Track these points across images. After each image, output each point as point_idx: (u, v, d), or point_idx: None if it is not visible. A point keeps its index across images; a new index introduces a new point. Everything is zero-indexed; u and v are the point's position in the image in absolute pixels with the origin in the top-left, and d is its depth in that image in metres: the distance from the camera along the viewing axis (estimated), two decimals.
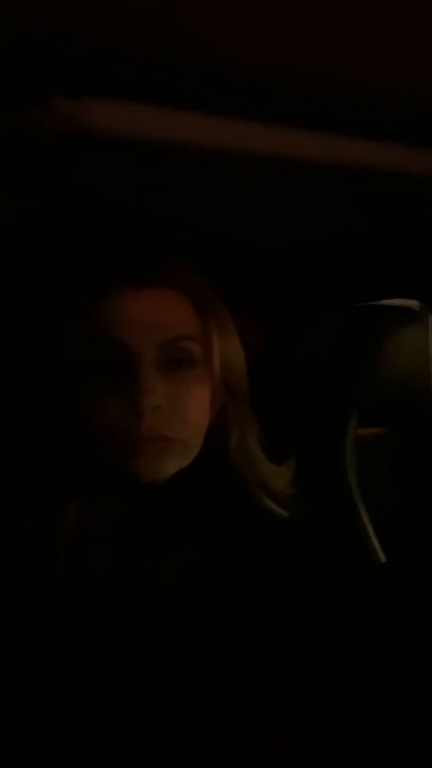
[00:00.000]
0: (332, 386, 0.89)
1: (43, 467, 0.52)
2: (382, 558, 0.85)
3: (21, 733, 0.45)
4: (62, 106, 0.31)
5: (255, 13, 0.28)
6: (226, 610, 0.51)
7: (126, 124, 0.33)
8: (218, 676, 0.48)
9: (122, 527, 0.51)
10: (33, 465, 0.52)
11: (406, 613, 0.52)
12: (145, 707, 0.46)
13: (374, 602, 0.55)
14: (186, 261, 0.55)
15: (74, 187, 0.45)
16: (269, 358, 0.83)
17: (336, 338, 0.90)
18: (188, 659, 0.48)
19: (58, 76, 0.30)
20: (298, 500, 0.59)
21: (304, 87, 0.33)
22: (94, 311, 0.50)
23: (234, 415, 0.57)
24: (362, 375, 0.88)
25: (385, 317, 0.89)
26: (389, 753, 0.42)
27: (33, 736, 0.45)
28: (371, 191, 0.45)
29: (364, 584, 0.61)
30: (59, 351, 0.51)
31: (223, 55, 0.31)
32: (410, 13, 0.28)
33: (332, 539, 0.64)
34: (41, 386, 0.52)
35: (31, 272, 0.62)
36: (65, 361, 0.50)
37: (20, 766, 0.45)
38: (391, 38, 0.30)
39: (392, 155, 0.38)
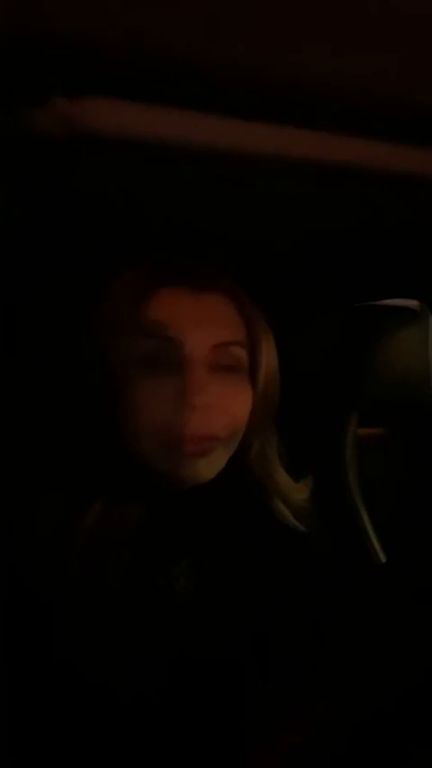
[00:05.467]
0: (332, 386, 0.89)
1: (73, 466, 0.51)
2: (383, 558, 0.85)
3: (24, 737, 0.45)
4: (62, 106, 0.31)
5: (254, 14, 0.28)
6: (233, 616, 0.51)
7: (126, 124, 0.33)
8: (222, 679, 0.48)
9: (139, 532, 0.51)
10: (63, 464, 0.51)
11: (406, 613, 0.52)
12: (152, 709, 0.46)
13: (375, 603, 0.55)
14: (226, 267, 0.54)
15: (74, 187, 0.45)
16: None
17: (336, 338, 0.89)
18: (194, 663, 0.48)
19: (58, 77, 0.30)
20: (312, 512, 0.59)
21: (304, 87, 0.33)
22: (144, 308, 0.49)
23: (258, 425, 0.56)
24: (362, 375, 0.88)
25: (385, 317, 0.88)
26: (390, 753, 0.42)
27: (38, 740, 0.45)
28: (371, 191, 0.45)
29: (365, 584, 0.61)
30: (104, 346, 0.49)
31: (223, 55, 0.31)
32: (409, 13, 0.28)
33: (335, 541, 0.64)
34: (85, 381, 0.51)
35: (36, 271, 0.62)
36: (111, 356, 0.49)
37: None
38: (390, 38, 0.30)
39: (392, 155, 0.38)
